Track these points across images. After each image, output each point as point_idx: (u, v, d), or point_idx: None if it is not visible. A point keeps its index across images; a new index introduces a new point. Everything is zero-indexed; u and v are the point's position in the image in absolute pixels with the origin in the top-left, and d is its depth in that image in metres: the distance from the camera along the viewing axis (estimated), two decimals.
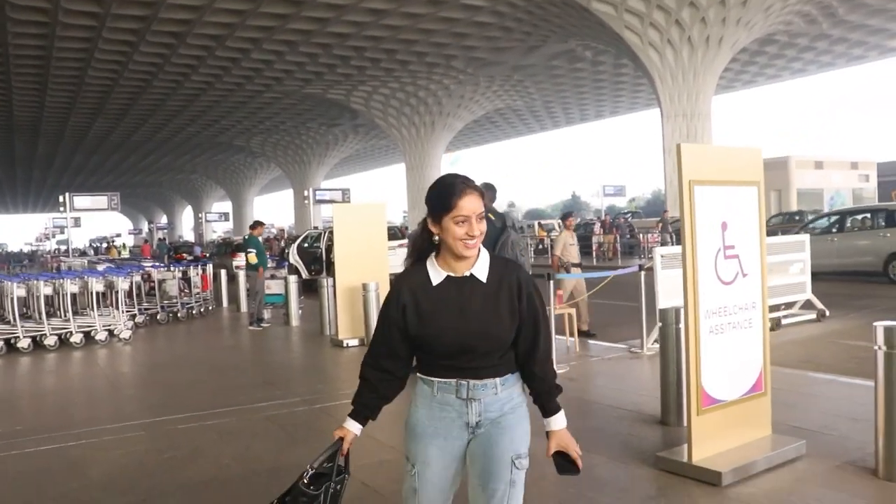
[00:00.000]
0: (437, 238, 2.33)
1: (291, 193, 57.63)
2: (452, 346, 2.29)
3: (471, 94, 39.97)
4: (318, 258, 19.15)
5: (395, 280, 2.45)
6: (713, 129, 31.05)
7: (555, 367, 2.48)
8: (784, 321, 10.02)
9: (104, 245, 46.87)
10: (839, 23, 32.65)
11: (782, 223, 23.66)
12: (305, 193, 37.55)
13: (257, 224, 13.16)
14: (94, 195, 34.24)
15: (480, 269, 2.35)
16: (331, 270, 13.30)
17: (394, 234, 18.30)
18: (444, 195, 2.27)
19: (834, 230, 16.03)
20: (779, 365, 6.85)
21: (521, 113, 49.12)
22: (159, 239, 58.89)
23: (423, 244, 2.39)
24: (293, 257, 19.64)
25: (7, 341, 10.28)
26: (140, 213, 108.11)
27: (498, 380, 2.35)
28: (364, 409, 2.44)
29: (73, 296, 11.22)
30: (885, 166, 34.02)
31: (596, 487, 4.26)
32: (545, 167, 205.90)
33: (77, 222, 44.83)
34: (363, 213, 10.29)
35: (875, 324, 4.24)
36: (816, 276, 13.34)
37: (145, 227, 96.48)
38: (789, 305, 10.40)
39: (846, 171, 28.86)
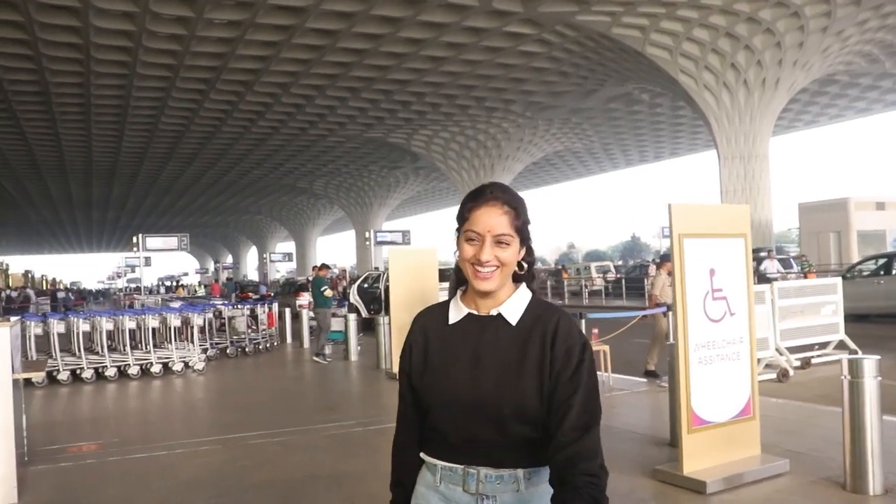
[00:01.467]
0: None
1: (353, 234, 59.48)
2: (453, 408, 1.76)
3: (529, 137, 41.06)
4: (376, 298, 20.25)
5: (416, 315, 1.95)
6: (771, 170, 31.41)
7: (600, 469, 1.67)
8: (815, 360, 10.60)
9: (173, 284, 49.25)
10: None
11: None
12: (366, 235, 39.04)
13: (324, 266, 14.44)
14: (166, 236, 36.19)
15: (512, 308, 1.80)
16: (388, 309, 14.41)
17: (448, 275, 19.41)
18: (464, 203, 1.83)
19: (881, 273, 16.46)
20: (793, 398, 7.55)
21: (580, 154, 50.02)
22: (227, 278, 61.24)
23: (454, 274, 1.94)
24: (353, 297, 20.83)
25: (97, 370, 11.58)
26: (206, 252, 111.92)
27: (521, 472, 1.74)
28: (398, 489, 1.92)
29: (152, 330, 12.51)
30: None
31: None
32: (605, 209, 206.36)
33: (148, 262, 47.13)
34: (417, 256, 11.39)
35: (842, 357, 5.01)
36: (864, 317, 13.84)
37: (211, 266, 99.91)
38: (823, 346, 10.98)
39: None
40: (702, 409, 5.18)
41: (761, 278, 16.81)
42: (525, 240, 1.82)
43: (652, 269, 12.65)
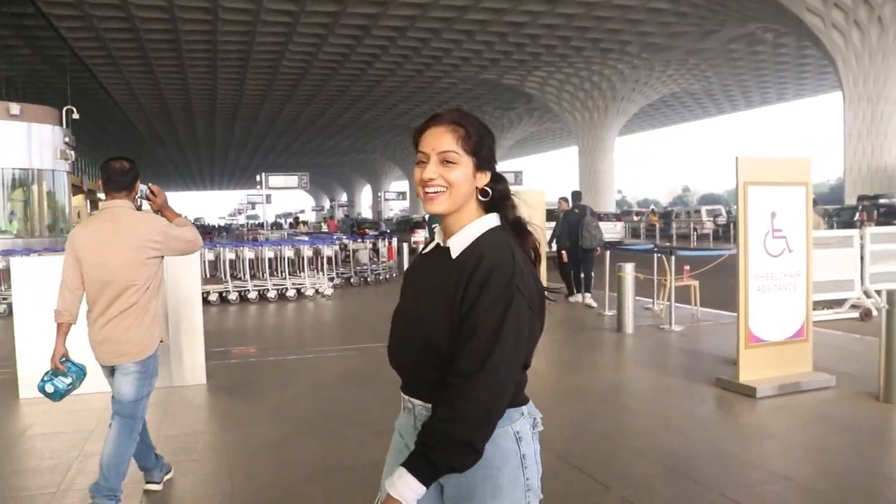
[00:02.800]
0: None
1: None
2: (393, 340, 1.83)
3: (645, 79, 40.99)
4: None
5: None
6: None
7: (477, 410, 1.61)
8: None
9: (292, 220, 52.20)
10: None
11: None
12: None
13: None
14: (287, 174, 38.34)
15: (459, 240, 1.77)
16: None
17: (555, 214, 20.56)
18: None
19: None
20: (871, 335, 8.41)
21: (698, 96, 49.41)
22: (344, 215, 64.04)
23: None
24: None
25: (240, 294, 13.48)
26: (322, 190, 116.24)
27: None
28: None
29: (288, 260, 14.31)
30: None
31: (670, 394, 6.30)
32: (724, 151, 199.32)
33: (269, 199, 49.87)
34: (526, 197, 12.58)
35: (885, 288, 5.97)
36: None
37: (327, 204, 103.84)
38: None
39: None
40: (758, 329, 6.26)
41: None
42: (484, 163, 1.77)
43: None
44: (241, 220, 73.76)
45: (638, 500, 4.08)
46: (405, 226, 32.28)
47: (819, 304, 10.09)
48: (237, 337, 9.98)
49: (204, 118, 53.84)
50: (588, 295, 12.44)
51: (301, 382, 7.08)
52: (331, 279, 15.07)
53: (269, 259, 13.89)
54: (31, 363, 6.46)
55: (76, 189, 27.96)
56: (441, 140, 1.72)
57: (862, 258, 10.78)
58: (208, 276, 13.88)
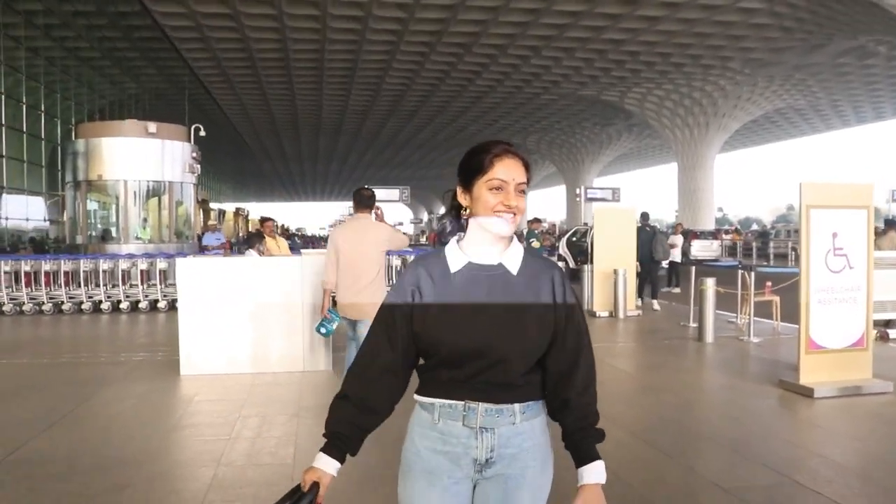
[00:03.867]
0: (466, 213, 2.01)
1: (564, 189, 61.61)
2: (464, 352, 1.90)
3: (748, 95, 40.94)
4: (584, 251, 22.50)
5: (410, 264, 2.11)
6: None
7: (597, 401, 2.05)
8: None
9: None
10: None
11: None
12: (577, 191, 40.94)
13: (535, 220, 17.06)
14: (388, 188, 40.03)
15: (512, 257, 1.99)
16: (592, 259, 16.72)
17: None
18: (478, 155, 1.97)
19: None
20: None
21: (804, 112, 48.75)
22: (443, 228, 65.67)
23: (450, 220, 2.08)
24: (562, 249, 23.24)
25: None
26: (420, 203, 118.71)
27: (517, 406, 1.95)
28: (339, 440, 1.96)
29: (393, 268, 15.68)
30: None
31: (735, 391, 7.20)
32: (833, 169, 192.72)
33: None
34: (619, 214, 13.63)
35: None
36: None
37: (425, 216, 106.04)
38: None
39: None
40: (818, 337, 7.10)
41: None
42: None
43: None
44: None
45: (692, 466, 5.07)
46: None
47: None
48: None
49: (309, 133, 56.50)
50: (654, 301, 14.43)
51: None
52: None
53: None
54: (192, 346, 7.92)
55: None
56: (519, 171, 1.93)
57: None
58: None
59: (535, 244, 16.02)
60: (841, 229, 7.14)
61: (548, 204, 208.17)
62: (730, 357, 9.29)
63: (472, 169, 1.96)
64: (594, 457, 1.96)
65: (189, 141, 19.57)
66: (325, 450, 1.94)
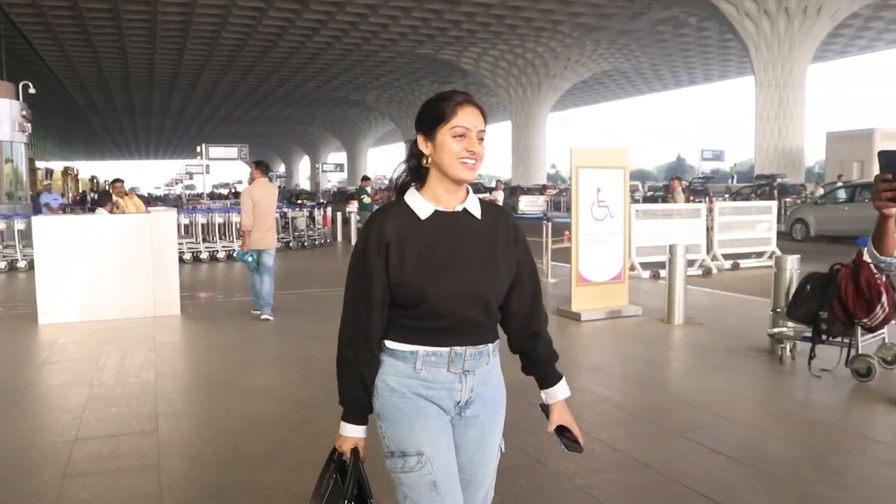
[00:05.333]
0: (427, 161, 2.05)
1: (403, 146, 63.35)
2: (451, 297, 2.00)
3: (577, 57, 43.87)
4: None
5: (372, 216, 2.11)
6: (808, 98, 33.73)
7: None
8: (743, 264, 14.22)
9: (231, 191, 54.26)
10: None
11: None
12: None
13: (366, 178, 18.59)
14: (227, 146, 40.13)
15: (473, 203, 2.11)
16: None
17: (480, 188, 23.42)
18: (440, 104, 2.04)
19: (847, 200, 19.79)
20: (702, 286, 11.27)
21: (629, 75, 52.66)
22: (280, 186, 65.99)
23: (408, 169, 2.12)
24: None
25: (193, 254, 15.93)
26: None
27: (490, 346, 2.12)
28: (359, 406, 2.09)
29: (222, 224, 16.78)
30: None
31: None
32: (654, 129, 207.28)
33: (208, 170, 51.38)
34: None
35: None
36: (836, 239, 17.40)
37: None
38: (760, 255, 14.57)
39: None
40: (586, 272, 9.01)
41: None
42: None
43: (674, 185, 16.87)
44: (178, 190, 74.93)
45: None
46: (341, 196, 34.78)
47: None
48: (194, 286, 12.49)
49: (142, 87, 55.14)
50: None
51: (249, 318, 9.65)
52: None
53: (219, 224, 16.33)
54: (49, 299, 8.93)
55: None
56: (478, 120, 2.03)
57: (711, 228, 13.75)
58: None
59: (367, 200, 17.57)
60: (603, 185, 9.05)
61: (390, 160, 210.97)
62: None
63: (434, 117, 2.04)
64: (559, 376, 2.26)
65: (17, 98, 19.63)
66: (348, 419, 2.09)
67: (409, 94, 57.61)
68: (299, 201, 29.27)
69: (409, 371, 2.05)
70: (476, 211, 2.11)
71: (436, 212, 2.05)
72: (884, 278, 6.29)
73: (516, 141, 46.89)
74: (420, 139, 2.08)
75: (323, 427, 5.04)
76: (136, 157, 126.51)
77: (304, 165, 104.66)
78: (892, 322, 6.27)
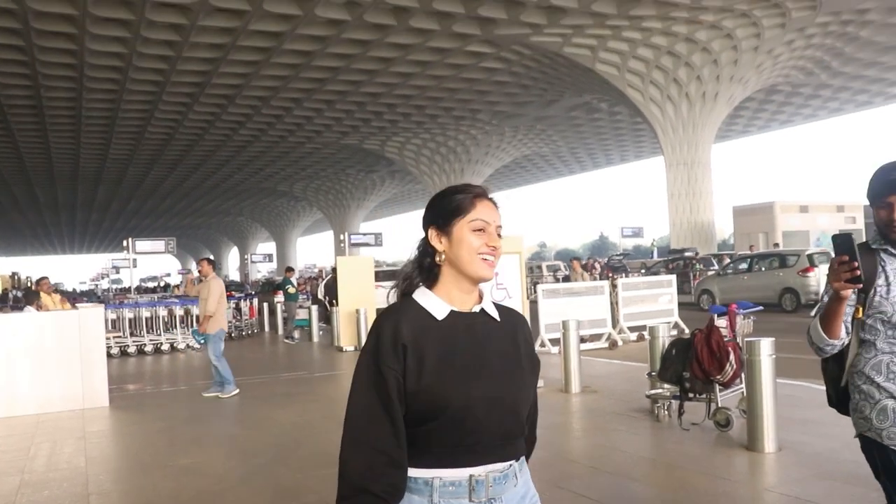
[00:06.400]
0: (441, 258, 1.91)
1: (332, 235, 64.27)
2: (474, 410, 1.80)
3: (497, 143, 45.77)
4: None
5: (381, 316, 1.91)
6: (715, 175, 35.90)
7: None
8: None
9: (159, 285, 54.31)
10: (837, 74, 37.42)
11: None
12: (341, 237, 43.62)
13: (290, 269, 19.37)
14: (154, 240, 40.36)
15: (490, 304, 1.98)
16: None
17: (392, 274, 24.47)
18: (457, 196, 1.93)
19: (747, 270, 21.33)
20: (608, 358, 12.23)
21: (549, 158, 54.96)
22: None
23: (419, 267, 1.94)
24: (321, 293, 25.56)
25: (120, 348, 16.30)
26: (189, 253, 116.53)
27: (516, 464, 1.90)
28: None
29: (161, 319, 17.20)
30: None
31: None
32: (578, 208, 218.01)
33: (135, 263, 51.20)
34: (358, 263, 16.19)
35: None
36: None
37: (194, 267, 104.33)
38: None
39: (832, 214, 33.61)
40: None
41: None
42: None
43: (575, 265, 18.10)
44: (105, 284, 74.12)
45: None
46: (268, 287, 35.21)
47: (584, 338, 13.97)
48: (122, 378, 12.93)
49: (66, 181, 55.05)
50: None
51: (175, 405, 10.20)
52: None
53: (147, 318, 16.78)
54: None
55: None
56: (496, 214, 1.93)
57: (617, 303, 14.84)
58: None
59: (291, 290, 18.26)
60: (501, 269, 9.99)
61: (319, 249, 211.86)
62: None
63: (450, 210, 1.91)
64: None
65: None
66: None
67: (335, 183, 58.77)
68: (227, 293, 29.78)
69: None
70: (494, 313, 1.97)
71: (452, 312, 1.88)
72: (735, 340, 7.32)
73: None
74: (433, 234, 1.92)
75: (241, 497, 5.73)
76: (59, 252, 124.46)
77: (233, 256, 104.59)
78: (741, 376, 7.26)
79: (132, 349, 16.49)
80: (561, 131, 45.86)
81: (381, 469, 1.75)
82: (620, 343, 14.44)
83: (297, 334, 18.74)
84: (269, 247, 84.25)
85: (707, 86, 33.52)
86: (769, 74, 35.26)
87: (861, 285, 2.34)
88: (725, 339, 7.19)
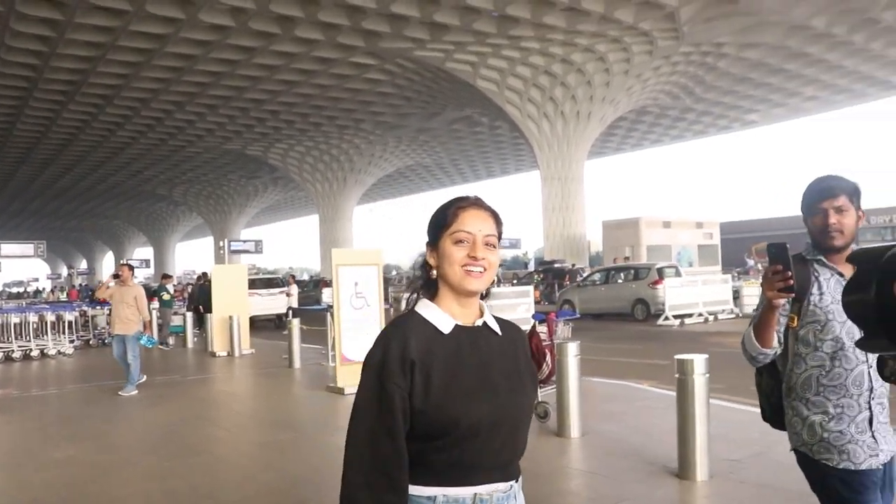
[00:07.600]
0: (433, 273, 1.92)
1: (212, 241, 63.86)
2: (482, 427, 1.80)
3: (380, 153, 46.93)
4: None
5: (387, 330, 1.92)
6: (588, 191, 38.13)
7: None
8: None
9: (24, 290, 52.72)
10: (700, 99, 40.38)
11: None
12: (221, 244, 43.74)
13: (166, 276, 19.92)
14: (22, 243, 39.52)
15: (491, 318, 1.97)
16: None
17: (277, 282, 25.19)
18: (442, 209, 1.93)
19: (604, 282, 23.22)
20: None
21: (431, 169, 56.55)
22: (81, 284, 64.36)
23: (420, 282, 1.96)
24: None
25: None
26: (59, 257, 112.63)
27: (516, 484, 1.93)
28: None
29: (31, 324, 17.45)
30: (727, 225, 42.55)
31: (290, 395, 10.79)
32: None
33: None
34: (232, 271, 16.98)
35: None
36: (593, 315, 20.21)
37: (65, 271, 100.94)
38: None
39: (692, 230, 36.25)
40: (348, 353, 10.95)
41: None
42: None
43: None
44: None
45: (253, 438, 8.43)
46: (146, 293, 35.24)
47: None
48: None
49: None
50: None
51: (43, 408, 10.82)
52: (71, 341, 18.35)
53: (15, 324, 17.03)
54: None
55: None
56: (485, 223, 1.89)
57: None
58: None
59: (166, 297, 18.87)
60: (360, 280, 11.10)
61: (199, 255, 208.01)
62: (308, 376, 12.98)
63: (436, 224, 1.92)
64: None
65: None
66: None
67: (217, 188, 58.60)
68: (101, 299, 29.71)
69: None
70: (495, 326, 1.96)
71: (457, 326, 1.88)
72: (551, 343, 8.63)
73: (324, 234, 48.99)
74: (428, 250, 1.95)
75: (111, 483, 6.61)
76: None
77: (108, 261, 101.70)
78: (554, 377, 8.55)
79: None
80: (443, 143, 47.40)
81: (380, 491, 1.75)
82: None
83: (171, 340, 19.33)
84: (146, 252, 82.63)
85: (581, 105, 35.59)
86: (638, 97, 37.68)
87: (794, 294, 2.37)
88: (544, 343, 8.48)
